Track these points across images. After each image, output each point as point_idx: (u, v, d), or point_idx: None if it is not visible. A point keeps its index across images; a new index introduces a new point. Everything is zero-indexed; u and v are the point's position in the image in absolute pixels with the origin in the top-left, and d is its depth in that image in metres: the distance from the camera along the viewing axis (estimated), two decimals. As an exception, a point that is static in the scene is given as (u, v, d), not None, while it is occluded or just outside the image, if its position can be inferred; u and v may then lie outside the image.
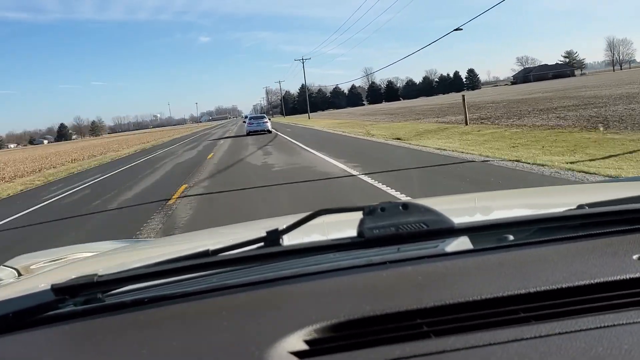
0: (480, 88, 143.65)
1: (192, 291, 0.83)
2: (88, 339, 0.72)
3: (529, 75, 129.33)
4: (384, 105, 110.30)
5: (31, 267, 1.63)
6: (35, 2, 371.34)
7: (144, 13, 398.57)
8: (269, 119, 35.29)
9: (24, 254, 1.83)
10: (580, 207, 0.99)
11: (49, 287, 0.78)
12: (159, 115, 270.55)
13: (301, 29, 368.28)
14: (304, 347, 0.63)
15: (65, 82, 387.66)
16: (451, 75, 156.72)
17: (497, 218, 0.90)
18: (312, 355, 0.61)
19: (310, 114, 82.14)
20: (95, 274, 0.79)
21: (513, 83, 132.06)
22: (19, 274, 1.54)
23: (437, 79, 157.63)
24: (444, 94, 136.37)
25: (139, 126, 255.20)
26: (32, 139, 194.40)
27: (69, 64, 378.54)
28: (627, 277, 0.72)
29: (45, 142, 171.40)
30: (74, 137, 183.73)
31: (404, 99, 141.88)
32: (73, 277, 0.80)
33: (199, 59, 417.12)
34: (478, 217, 1.36)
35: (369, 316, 0.68)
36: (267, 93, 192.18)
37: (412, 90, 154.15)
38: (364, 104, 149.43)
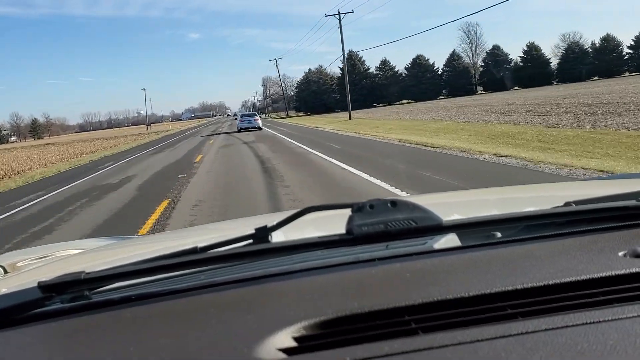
0: None
1: (180, 288, 0.83)
2: (75, 337, 0.71)
3: None
4: (538, 92, 43.47)
5: (17, 264, 1.62)
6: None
7: (133, 9, 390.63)
8: (261, 118, 34.63)
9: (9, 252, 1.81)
10: (567, 204, 1.00)
11: (35, 284, 0.77)
12: (142, 112, 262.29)
13: (291, 27, 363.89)
14: (292, 344, 0.63)
15: (52, 77, 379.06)
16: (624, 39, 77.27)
17: (485, 215, 0.91)
18: (300, 352, 0.61)
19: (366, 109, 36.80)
20: (83, 272, 0.78)
21: None
22: (5, 272, 1.53)
23: (627, 46, 77.44)
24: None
25: (112, 124, 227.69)
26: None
27: (52, 59, 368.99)
28: (613, 273, 0.73)
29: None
30: (12, 139, 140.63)
31: (558, 82, 73.67)
32: (60, 274, 0.79)
33: (187, 55, 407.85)
34: (466, 214, 1.37)
35: (357, 313, 0.68)
36: (266, 83, 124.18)
37: (570, 66, 75.83)
38: (474, 91, 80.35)
